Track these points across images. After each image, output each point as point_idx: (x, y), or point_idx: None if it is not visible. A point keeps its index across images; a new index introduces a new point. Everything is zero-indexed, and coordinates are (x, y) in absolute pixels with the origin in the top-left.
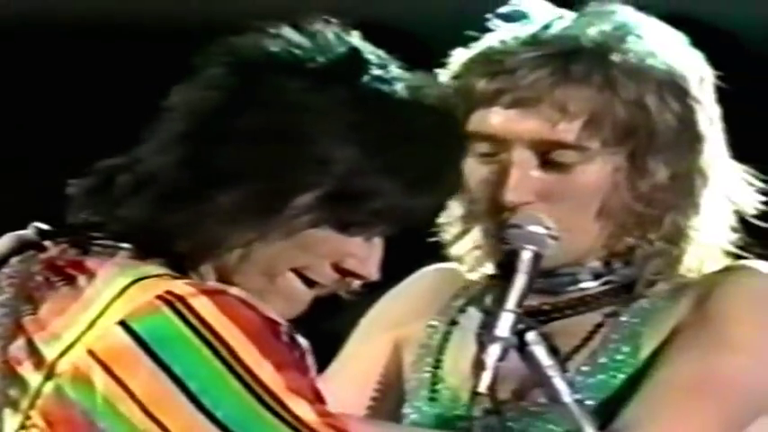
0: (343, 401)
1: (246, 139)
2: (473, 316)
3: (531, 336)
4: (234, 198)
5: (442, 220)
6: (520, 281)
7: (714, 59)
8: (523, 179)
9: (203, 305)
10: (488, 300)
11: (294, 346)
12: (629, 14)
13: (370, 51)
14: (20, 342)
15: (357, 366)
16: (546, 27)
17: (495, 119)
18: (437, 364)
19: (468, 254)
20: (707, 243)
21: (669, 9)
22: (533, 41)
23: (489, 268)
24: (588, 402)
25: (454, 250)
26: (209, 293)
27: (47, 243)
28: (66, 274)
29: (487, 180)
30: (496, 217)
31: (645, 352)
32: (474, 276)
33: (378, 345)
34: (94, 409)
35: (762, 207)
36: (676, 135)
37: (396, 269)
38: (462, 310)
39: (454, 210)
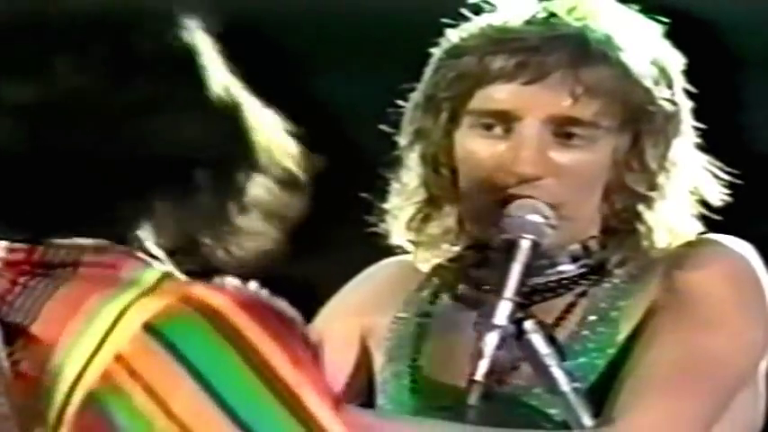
0: None
1: None
2: (446, 306)
3: (528, 324)
4: None
5: (389, 206)
6: (517, 269)
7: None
8: (538, 152)
9: (231, 310)
10: (462, 288)
11: (308, 344)
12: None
13: None
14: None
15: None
16: (552, 14)
17: (512, 94)
18: (415, 357)
19: (428, 240)
20: (677, 225)
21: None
22: (547, 23)
23: (446, 255)
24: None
25: (404, 238)
26: (229, 294)
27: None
28: (56, 271)
29: (494, 155)
30: (501, 193)
31: (622, 333)
32: (425, 267)
33: (341, 333)
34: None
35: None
36: (668, 121)
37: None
38: (432, 302)
39: (411, 196)
